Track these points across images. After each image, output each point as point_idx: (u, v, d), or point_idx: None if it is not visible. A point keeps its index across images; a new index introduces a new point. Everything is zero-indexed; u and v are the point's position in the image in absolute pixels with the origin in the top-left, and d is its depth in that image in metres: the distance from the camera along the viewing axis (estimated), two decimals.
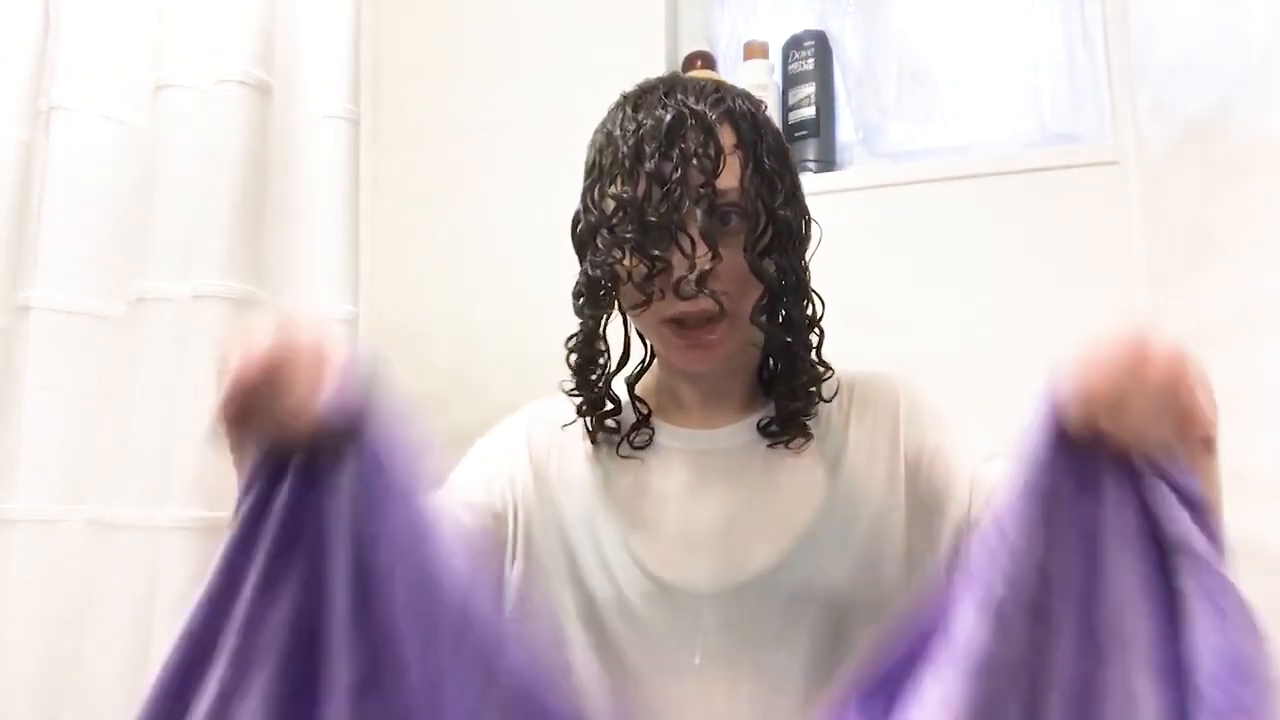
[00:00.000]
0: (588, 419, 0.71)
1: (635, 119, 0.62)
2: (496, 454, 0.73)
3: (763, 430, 0.68)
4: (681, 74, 0.66)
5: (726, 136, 0.61)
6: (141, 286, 0.89)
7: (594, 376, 0.69)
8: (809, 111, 1.20)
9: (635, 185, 0.60)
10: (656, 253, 0.59)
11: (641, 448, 0.70)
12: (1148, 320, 0.99)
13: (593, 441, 0.71)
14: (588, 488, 0.70)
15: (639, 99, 0.64)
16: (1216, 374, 0.80)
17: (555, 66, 1.29)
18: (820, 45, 1.22)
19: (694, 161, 0.59)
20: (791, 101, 1.22)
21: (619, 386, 0.71)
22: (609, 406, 0.70)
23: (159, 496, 0.84)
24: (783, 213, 0.62)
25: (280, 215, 0.95)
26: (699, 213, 0.60)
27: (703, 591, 0.65)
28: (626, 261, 0.61)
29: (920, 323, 1.09)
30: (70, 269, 0.91)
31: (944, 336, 1.08)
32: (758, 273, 0.61)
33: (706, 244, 0.59)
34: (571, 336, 0.68)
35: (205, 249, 0.87)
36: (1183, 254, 0.88)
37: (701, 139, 0.60)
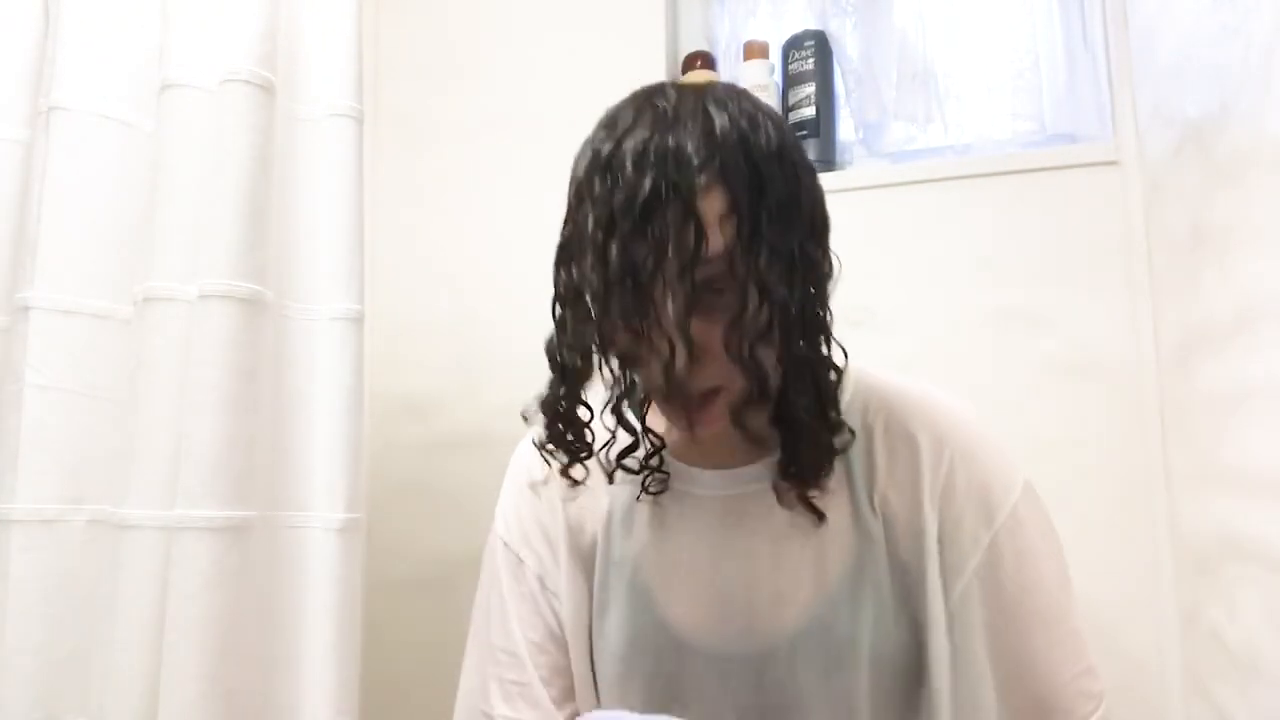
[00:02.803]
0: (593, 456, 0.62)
1: (609, 176, 0.51)
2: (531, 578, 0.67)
3: (783, 473, 0.59)
4: (671, 94, 0.55)
5: (716, 204, 0.50)
6: (147, 286, 0.89)
7: (571, 438, 0.60)
8: (809, 111, 1.20)
9: (604, 269, 0.50)
10: (624, 354, 0.53)
11: (658, 491, 0.63)
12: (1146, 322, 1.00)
13: (609, 480, 0.64)
14: (599, 524, 0.65)
15: (619, 140, 0.52)
16: (1216, 374, 0.81)
17: (555, 66, 1.29)
18: (820, 45, 1.22)
19: (670, 249, 0.49)
20: (791, 101, 1.22)
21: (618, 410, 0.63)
22: (626, 443, 0.61)
23: (168, 496, 0.84)
24: (780, 291, 0.51)
25: (286, 214, 0.94)
26: (672, 305, 0.50)
27: (734, 653, 0.60)
28: (598, 348, 0.55)
29: (920, 323, 1.09)
30: (71, 269, 0.91)
31: (944, 336, 1.08)
32: (742, 366, 0.52)
33: (682, 341, 0.50)
34: (548, 396, 0.59)
35: (211, 249, 0.87)
36: (1183, 254, 0.88)
37: (680, 218, 0.49)
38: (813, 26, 1.24)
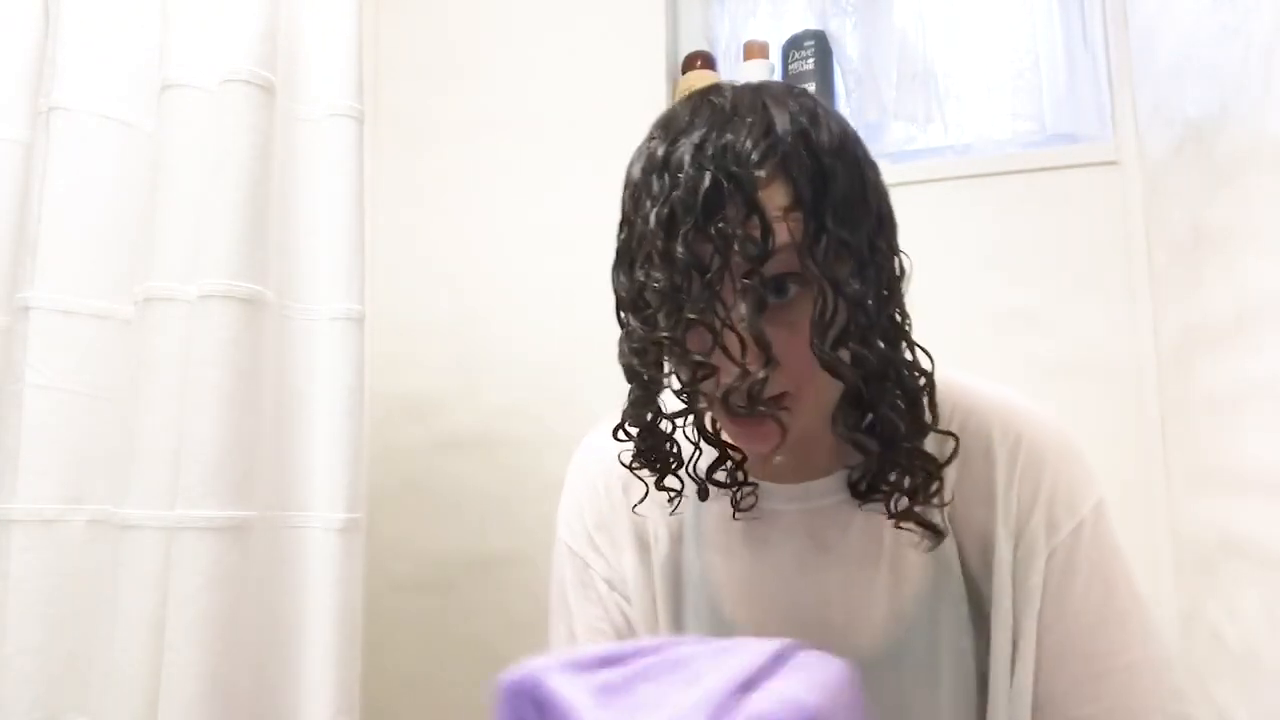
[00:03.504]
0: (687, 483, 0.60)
1: (665, 177, 0.50)
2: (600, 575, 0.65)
3: (854, 488, 0.57)
4: (728, 92, 0.54)
5: (778, 197, 0.48)
6: (148, 286, 0.89)
7: (660, 450, 0.58)
8: None
9: (669, 271, 0.49)
10: (698, 358, 0.50)
11: (748, 509, 0.60)
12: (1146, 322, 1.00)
13: (701, 497, 0.61)
14: (668, 530, 0.64)
15: (675, 139, 0.51)
16: (1216, 374, 0.81)
17: (555, 66, 1.29)
18: (820, 45, 1.22)
19: (735, 245, 0.47)
20: None
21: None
22: (713, 457, 0.59)
23: (168, 496, 0.84)
24: (854, 286, 0.50)
25: (286, 214, 0.94)
26: (744, 304, 0.48)
27: None
28: (667, 358, 0.52)
29: (920, 322, 1.08)
30: (71, 269, 0.91)
31: (944, 336, 1.07)
32: (829, 368, 0.50)
33: (758, 348, 0.48)
34: (628, 408, 0.57)
35: (212, 249, 0.87)
36: (1183, 254, 0.88)
37: (744, 212, 0.47)
38: (813, 26, 1.25)
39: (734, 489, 0.59)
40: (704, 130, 0.50)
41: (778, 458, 0.56)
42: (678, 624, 0.63)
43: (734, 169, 0.48)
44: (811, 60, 1.21)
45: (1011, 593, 0.57)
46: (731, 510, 0.60)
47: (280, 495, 0.91)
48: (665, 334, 0.50)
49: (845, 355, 0.50)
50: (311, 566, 0.91)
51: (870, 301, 0.51)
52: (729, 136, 0.49)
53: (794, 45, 1.23)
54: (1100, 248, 1.03)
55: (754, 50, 1.25)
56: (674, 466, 0.59)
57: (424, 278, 1.34)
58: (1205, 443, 0.84)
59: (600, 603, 0.65)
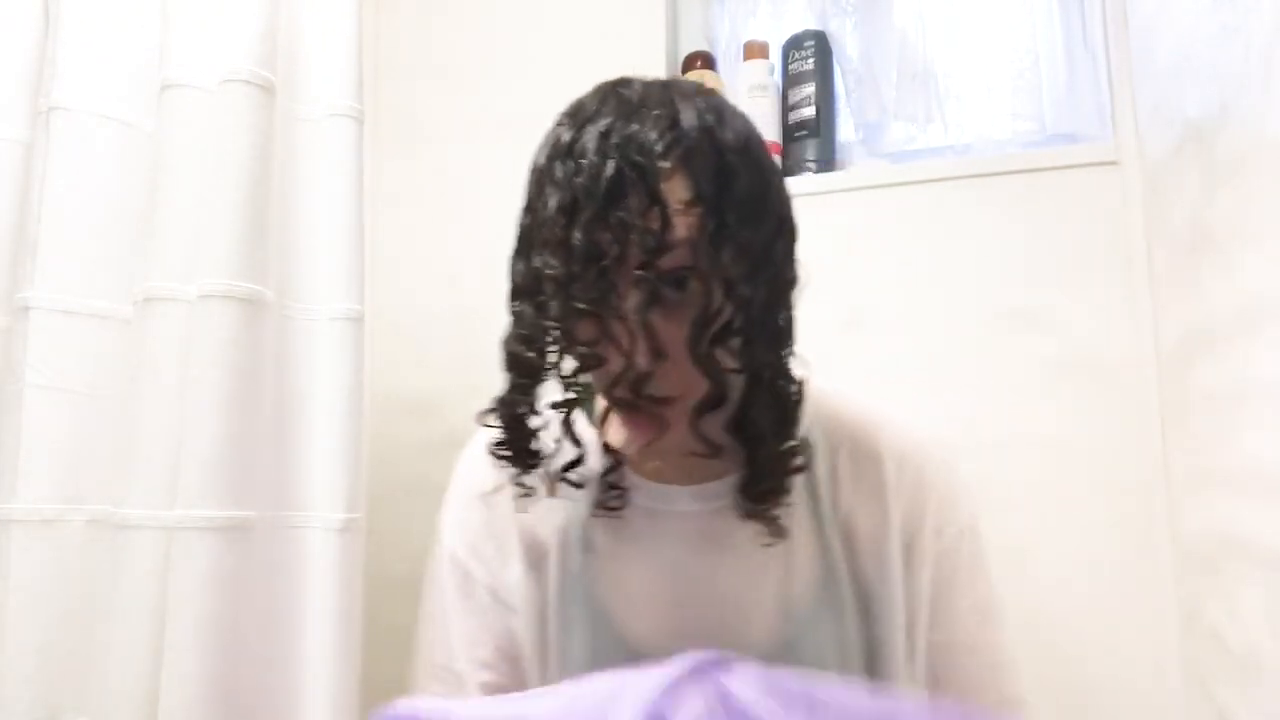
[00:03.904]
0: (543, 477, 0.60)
1: (569, 163, 0.50)
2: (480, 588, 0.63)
3: (745, 489, 0.57)
4: (637, 85, 0.54)
5: (680, 190, 0.49)
6: (147, 286, 0.89)
7: (523, 445, 0.57)
8: (809, 111, 1.20)
9: (566, 259, 0.49)
10: (584, 349, 0.50)
11: (617, 508, 0.60)
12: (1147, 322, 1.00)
13: (550, 493, 0.60)
14: (554, 537, 0.62)
15: (582, 127, 0.51)
16: (1216, 374, 0.81)
17: (555, 66, 1.29)
18: (820, 45, 1.22)
19: (633, 235, 0.47)
20: (791, 101, 1.22)
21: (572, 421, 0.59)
22: (572, 456, 0.58)
23: (168, 496, 0.84)
24: (744, 289, 0.49)
25: (286, 214, 0.94)
26: (636, 295, 0.48)
27: None
28: (555, 345, 0.52)
29: (920, 323, 1.09)
30: (71, 269, 0.91)
31: (944, 336, 1.08)
32: (701, 365, 0.50)
33: (646, 340, 0.48)
34: (502, 396, 0.56)
35: (211, 249, 0.87)
36: (1183, 254, 0.88)
37: (645, 203, 0.47)
38: (813, 26, 1.25)
39: (603, 491, 0.59)
40: (610, 119, 0.50)
41: (649, 463, 0.59)
42: (567, 634, 0.60)
43: (637, 158, 0.48)
44: (811, 60, 1.21)
45: (904, 592, 0.60)
46: (622, 519, 0.60)
47: (280, 495, 0.91)
48: (555, 321, 0.50)
49: (725, 356, 0.51)
50: (311, 566, 0.91)
51: (759, 305, 0.51)
52: (634, 127, 0.49)
53: (794, 45, 1.23)
54: (1100, 248, 1.03)
55: (754, 50, 1.25)
56: (531, 465, 0.58)
57: (424, 278, 1.34)
58: (1205, 443, 0.84)
59: (482, 614, 0.63)
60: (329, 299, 0.96)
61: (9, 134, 0.94)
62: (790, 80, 1.23)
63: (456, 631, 0.63)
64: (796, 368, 0.57)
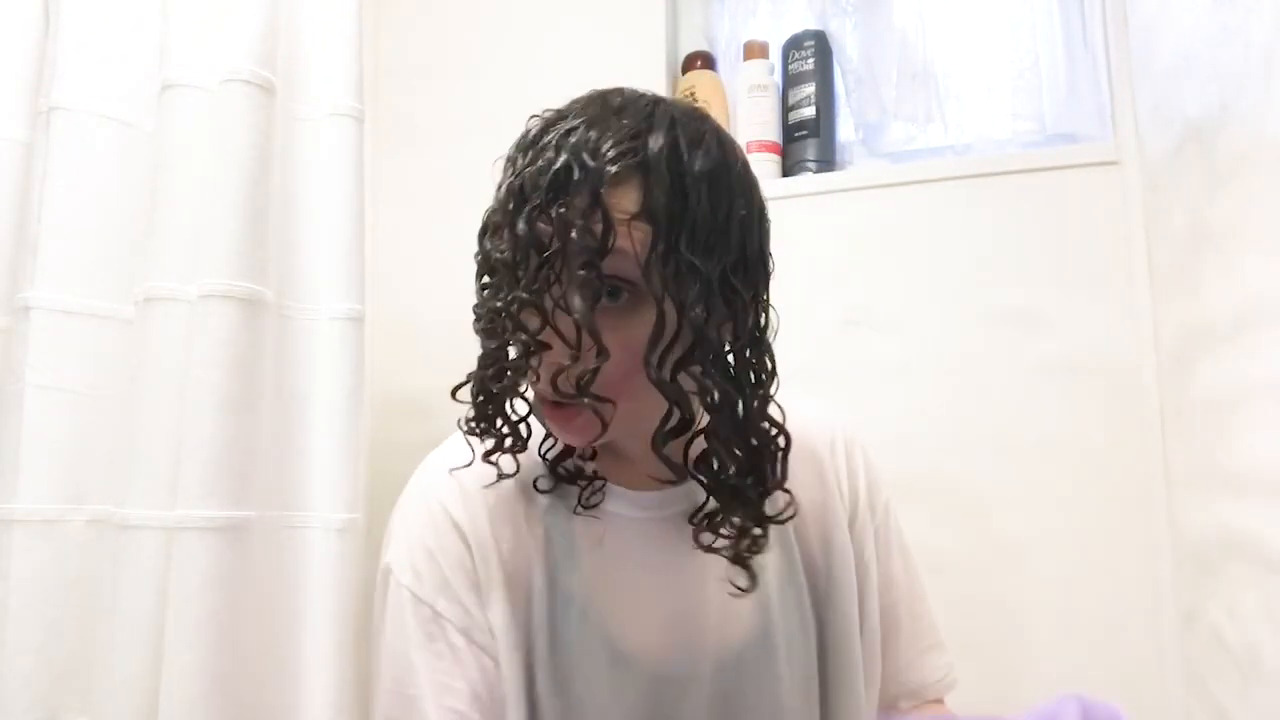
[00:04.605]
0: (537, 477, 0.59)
1: (529, 154, 0.51)
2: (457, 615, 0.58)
3: (691, 522, 0.56)
4: (627, 95, 0.54)
5: (627, 201, 0.48)
6: (148, 286, 0.89)
7: (498, 416, 0.57)
8: (809, 111, 1.20)
9: (511, 245, 0.50)
10: (525, 336, 0.50)
11: (595, 506, 0.59)
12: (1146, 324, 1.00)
13: (538, 490, 0.60)
14: (536, 554, 0.59)
15: (554, 121, 0.53)
16: (1216, 374, 0.81)
17: (555, 66, 1.29)
18: (820, 45, 1.22)
19: (573, 233, 0.48)
20: (791, 101, 1.22)
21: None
22: (555, 445, 0.59)
23: (168, 496, 0.84)
24: (698, 312, 0.49)
25: (286, 214, 0.94)
26: (578, 294, 0.48)
27: (691, 673, 0.59)
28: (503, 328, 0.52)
29: (920, 323, 1.09)
30: (71, 269, 0.91)
31: (943, 336, 1.08)
32: (658, 384, 0.50)
33: (590, 338, 0.48)
34: (474, 374, 0.56)
35: (211, 249, 0.87)
36: (1183, 254, 0.88)
37: (587, 203, 0.48)
38: (813, 26, 1.24)
39: (581, 486, 0.59)
40: (580, 120, 0.51)
41: (622, 469, 0.59)
42: (562, 655, 0.58)
43: (587, 159, 0.49)
44: (811, 60, 1.21)
45: (854, 567, 0.65)
46: (592, 522, 0.59)
47: (280, 495, 0.91)
48: (499, 305, 0.51)
49: (688, 382, 0.50)
50: (311, 566, 0.91)
51: (715, 332, 0.50)
52: (596, 131, 0.50)
53: (794, 45, 1.23)
54: (1100, 248, 1.03)
55: (754, 50, 1.25)
56: (512, 446, 0.57)
57: (424, 278, 1.34)
58: (1205, 443, 0.84)
59: (453, 655, 0.57)
60: (329, 299, 0.96)
61: (9, 134, 0.94)
62: (790, 80, 1.23)
63: (424, 676, 0.57)
64: (781, 411, 0.56)
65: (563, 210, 0.48)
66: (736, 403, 0.52)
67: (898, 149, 1.22)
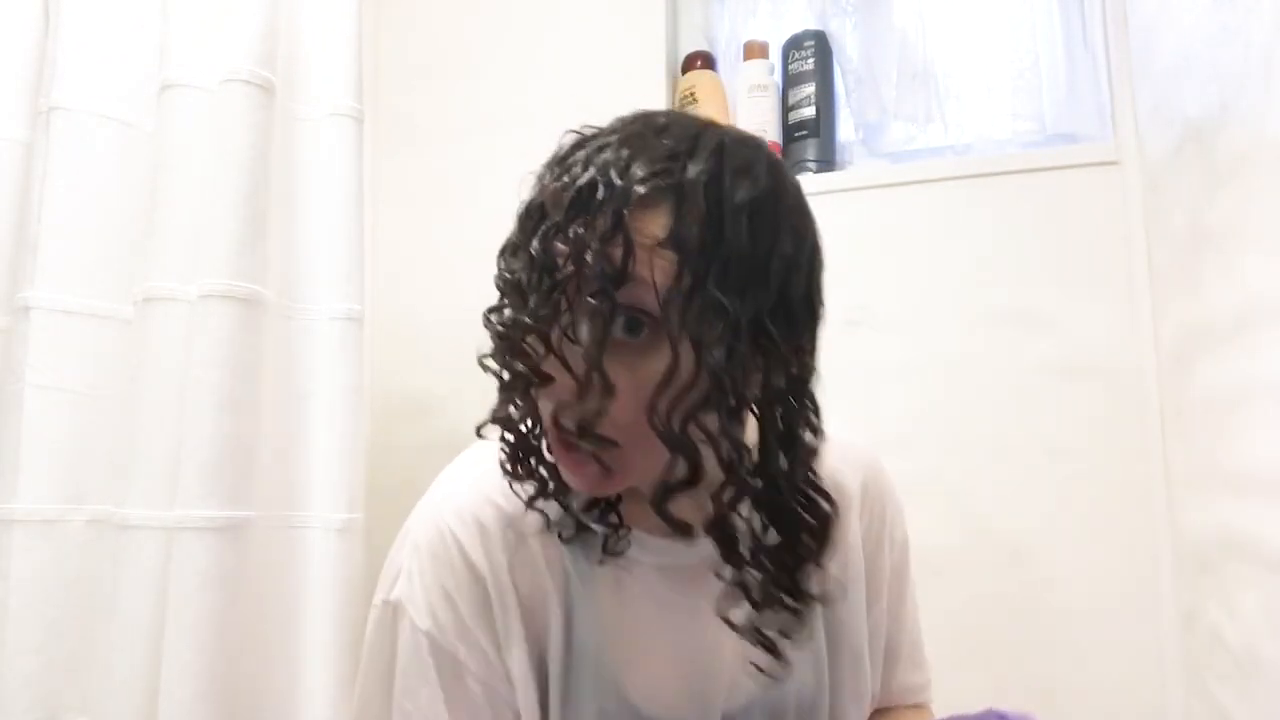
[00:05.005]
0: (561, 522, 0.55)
1: (556, 169, 0.48)
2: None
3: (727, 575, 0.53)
4: (674, 116, 0.50)
5: (654, 227, 0.44)
6: (147, 286, 0.89)
7: (530, 454, 0.53)
8: (809, 111, 1.20)
9: (524, 265, 0.46)
10: (521, 367, 0.46)
11: (619, 554, 0.55)
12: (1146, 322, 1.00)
13: (563, 539, 0.55)
14: (555, 597, 0.56)
15: (592, 137, 0.49)
16: (1216, 375, 0.81)
17: (555, 66, 1.29)
18: (820, 45, 1.22)
19: (588, 256, 0.43)
20: (791, 101, 1.22)
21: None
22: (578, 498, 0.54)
23: (168, 496, 0.84)
24: (715, 355, 0.44)
25: (286, 214, 0.95)
26: (587, 325, 0.44)
27: None
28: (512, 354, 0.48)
29: (920, 323, 1.09)
30: (71, 269, 0.91)
31: (943, 336, 1.08)
32: (657, 430, 0.45)
33: (595, 372, 0.44)
34: (497, 408, 0.52)
35: (211, 249, 0.87)
36: (1183, 254, 0.88)
37: (609, 226, 0.43)
38: (813, 26, 1.24)
39: (605, 531, 0.54)
40: (617, 138, 0.47)
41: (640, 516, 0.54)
42: (570, 698, 0.55)
43: (615, 177, 0.44)
44: (811, 60, 1.21)
45: (867, 605, 0.63)
46: (615, 574, 0.56)
47: (280, 495, 0.91)
48: (504, 330, 0.47)
49: (698, 433, 0.45)
50: (311, 566, 0.91)
51: (737, 381, 0.45)
52: (630, 150, 0.46)
53: (794, 45, 1.23)
54: (1100, 248, 1.03)
55: (754, 50, 1.25)
56: (555, 490, 0.53)
57: (424, 278, 1.34)
58: (1205, 443, 0.84)
59: (470, 704, 0.54)
60: (329, 299, 0.96)
61: (9, 134, 0.94)
62: (790, 80, 1.23)
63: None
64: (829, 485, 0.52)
65: (581, 231, 0.44)
66: (741, 459, 0.47)
67: (898, 149, 1.22)
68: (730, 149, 0.47)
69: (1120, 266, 1.02)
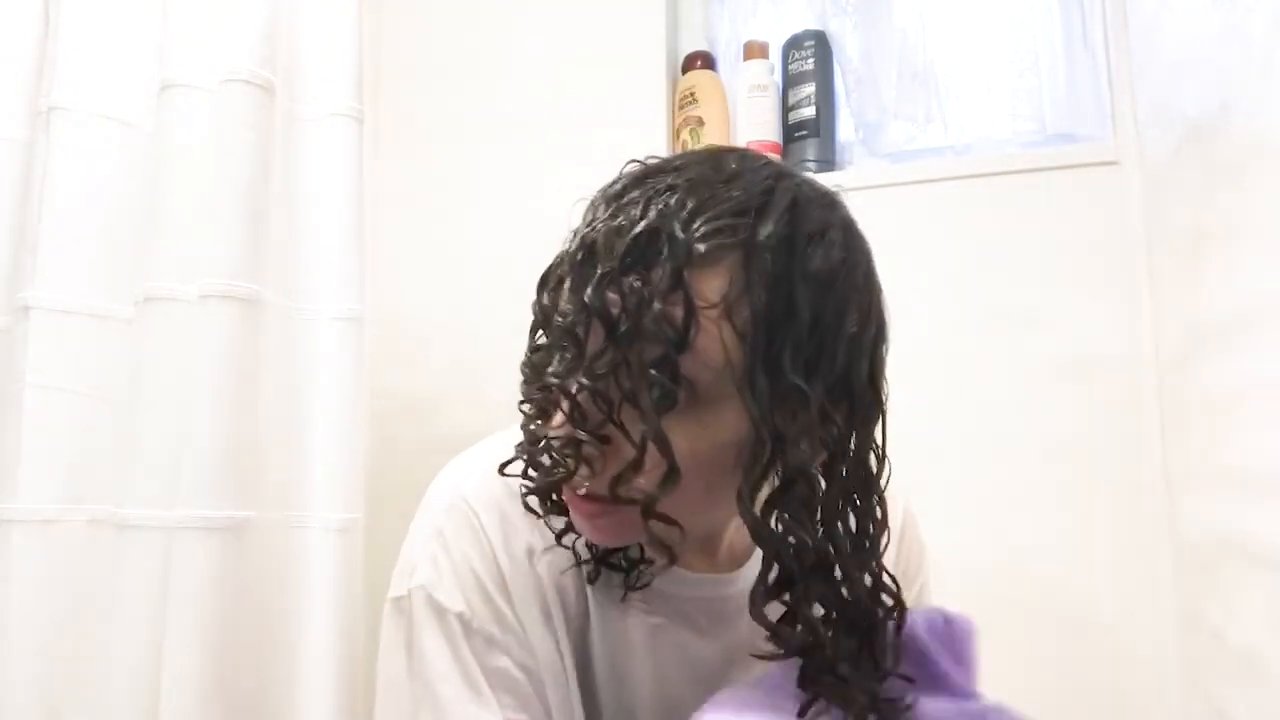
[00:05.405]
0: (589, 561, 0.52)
1: (611, 207, 0.43)
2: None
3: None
4: (744, 160, 0.45)
5: (713, 284, 0.40)
6: (147, 286, 0.89)
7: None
8: (809, 111, 1.20)
9: (577, 311, 0.42)
10: (585, 431, 0.43)
11: (644, 587, 0.53)
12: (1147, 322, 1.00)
13: (589, 580, 0.53)
14: (580, 630, 0.54)
15: (653, 173, 0.44)
16: (1216, 374, 0.81)
17: (555, 66, 1.29)
18: (820, 45, 1.22)
19: (647, 317, 0.39)
20: (791, 101, 1.22)
21: None
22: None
23: (168, 496, 0.84)
24: (801, 449, 0.41)
25: (286, 214, 0.95)
26: (645, 400, 0.40)
27: None
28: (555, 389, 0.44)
29: (920, 323, 1.09)
30: (71, 269, 0.91)
31: (943, 336, 1.08)
32: (758, 536, 0.43)
33: (656, 443, 0.40)
34: (530, 434, 0.49)
35: (212, 249, 0.87)
36: (1183, 254, 0.88)
37: (668, 283, 0.39)
38: (813, 26, 1.24)
39: (628, 570, 0.52)
40: (682, 180, 0.42)
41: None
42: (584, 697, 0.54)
43: (677, 229, 0.40)
44: (811, 60, 1.21)
45: None
46: (634, 596, 0.53)
47: (280, 495, 0.91)
48: (555, 380, 0.43)
49: (776, 525, 0.43)
50: (311, 566, 0.91)
51: (814, 472, 0.42)
52: (695, 199, 0.41)
53: (794, 45, 1.23)
54: (1100, 248, 1.03)
55: (754, 50, 1.25)
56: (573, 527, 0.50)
57: (424, 278, 1.34)
58: (1205, 443, 0.84)
59: (516, 692, 0.51)
60: (329, 299, 0.96)
61: (9, 134, 0.94)
62: (790, 80, 1.23)
63: (492, 709, 0.51)
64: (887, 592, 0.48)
65: (638, 284, 0.39)
66: (826, 562, 0.44)
67: (898, 149, 1.22)
68: (804, 208, 0.43)
69: (1120, 266, 1.02)
